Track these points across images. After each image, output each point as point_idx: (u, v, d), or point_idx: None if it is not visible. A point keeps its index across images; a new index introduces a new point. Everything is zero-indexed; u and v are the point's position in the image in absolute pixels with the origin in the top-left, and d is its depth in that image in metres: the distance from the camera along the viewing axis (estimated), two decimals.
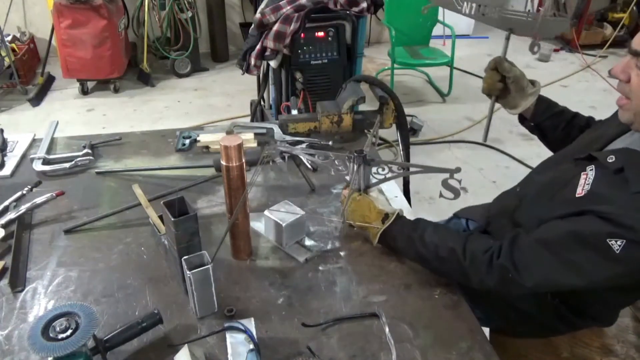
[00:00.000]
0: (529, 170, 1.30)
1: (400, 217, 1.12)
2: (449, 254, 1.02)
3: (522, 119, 1.34)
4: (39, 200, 1.23)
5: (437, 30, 4.41)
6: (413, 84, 4.59)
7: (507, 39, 1.24)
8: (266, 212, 1.15)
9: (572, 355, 1.23)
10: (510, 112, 1.30)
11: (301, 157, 1.36)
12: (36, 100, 3.92)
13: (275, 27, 2.29)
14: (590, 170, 0.96)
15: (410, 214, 1.29)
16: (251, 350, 0.88)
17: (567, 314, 1.12)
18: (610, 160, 0.94)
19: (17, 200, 1.27)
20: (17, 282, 1.03)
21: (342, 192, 1.26)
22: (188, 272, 0.90)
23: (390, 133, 3.42)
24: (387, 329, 0.93)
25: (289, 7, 2.28)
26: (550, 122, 1.30)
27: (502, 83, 1.25)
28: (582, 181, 0.96)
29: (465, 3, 1.25)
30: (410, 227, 1.10)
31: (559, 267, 0.92)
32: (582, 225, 0.89)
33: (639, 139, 0.97)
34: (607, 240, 0.85)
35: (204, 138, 1.56)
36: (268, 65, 2.66)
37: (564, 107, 1.32)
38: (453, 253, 1.02)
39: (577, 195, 0.95)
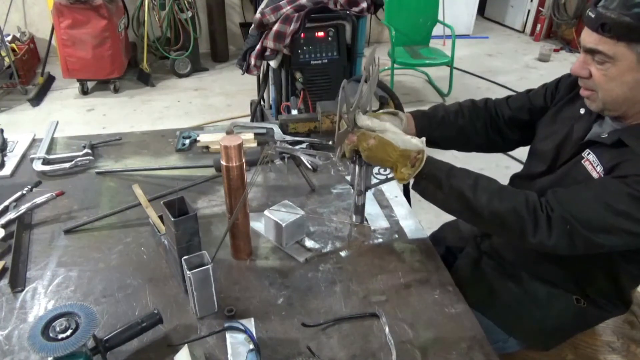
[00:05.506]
0: None
1: (429, 161, 0.98)
2: (509, 203, 0.92)
3: None
4: (39, 200, 1.23)
5: (437, 30, 4.41)
6: (413, 84, 4.58)
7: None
8: (266, 212, 1.15)
9: (577, 356, 1.23)
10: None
11: (301, 157, 1.36)
12: (36, 100, 3.92)
13: (275, 27, 2.29)
14: (588, 154, 0.98)
15: (410, 214, 1.29)
16: (251, 350, 0.88)
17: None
18: (604, 136, 0.97)
19: (17, 200, 1.27)
20: (17, 282, 1.03)
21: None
22: (188, 272, 0.90)
23: None
24: (387, 329, 0.93)
25: (289, 7, 2.28)
26: (439, 132, 1.22)
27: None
28: (589, 167, 0.97)
29: None
30: (446, 169, 0.99)
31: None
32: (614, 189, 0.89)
33: (608, 125, 1.01)
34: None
35: (204, 138, 1.56)
36: (268, 65, 2.66)
37: (442, 111, 1.23)
38: (515, 204, 0.91)
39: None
